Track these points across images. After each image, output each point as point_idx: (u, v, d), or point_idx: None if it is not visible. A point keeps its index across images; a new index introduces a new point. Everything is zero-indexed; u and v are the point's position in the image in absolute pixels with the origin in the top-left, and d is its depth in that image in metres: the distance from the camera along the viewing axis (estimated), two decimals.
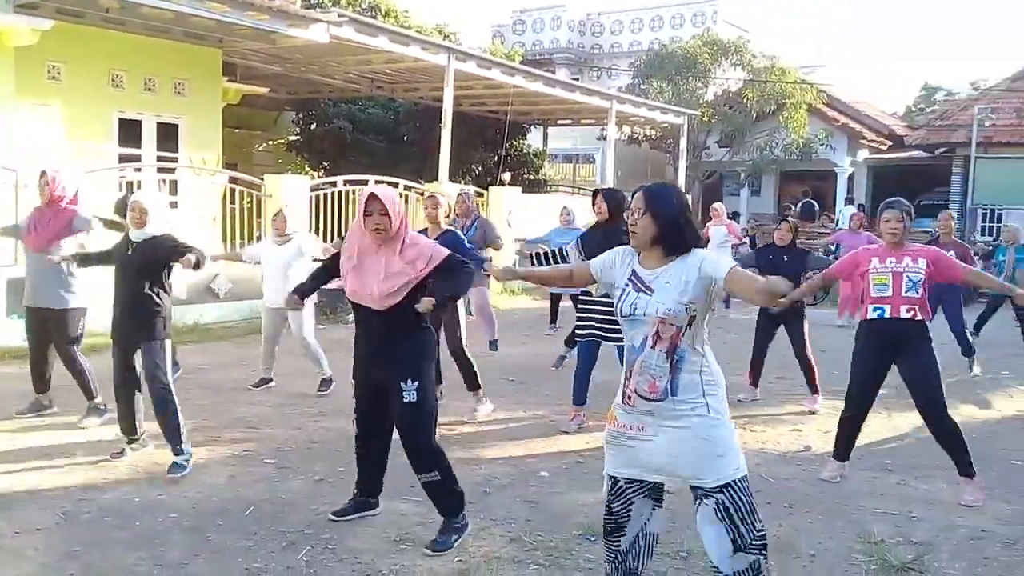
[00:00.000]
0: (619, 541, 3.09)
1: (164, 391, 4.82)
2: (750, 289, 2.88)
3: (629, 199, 3.16)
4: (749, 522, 2.91)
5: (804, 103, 21.60)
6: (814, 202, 21.36)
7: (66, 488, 4.54)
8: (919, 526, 4.36)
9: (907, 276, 4.75)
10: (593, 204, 5.89)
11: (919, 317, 4.75)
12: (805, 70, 24.17)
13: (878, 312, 4.83)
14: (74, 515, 4.18)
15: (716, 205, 13.15)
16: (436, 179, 13.95)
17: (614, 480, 3.06)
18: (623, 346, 5.50)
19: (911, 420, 5.74)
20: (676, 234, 2.96)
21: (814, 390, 6.79)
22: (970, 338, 8.75)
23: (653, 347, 2.93)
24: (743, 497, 2.91)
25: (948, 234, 8.48)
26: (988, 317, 9.97)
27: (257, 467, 5.02)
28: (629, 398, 2.98)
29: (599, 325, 5.75)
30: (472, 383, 6.18)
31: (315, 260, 6.65)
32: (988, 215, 19.07)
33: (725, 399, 2.99)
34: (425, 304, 3.80)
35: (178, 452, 4.81)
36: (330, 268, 4.19)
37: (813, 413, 6.62)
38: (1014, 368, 8.71)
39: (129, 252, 4.87)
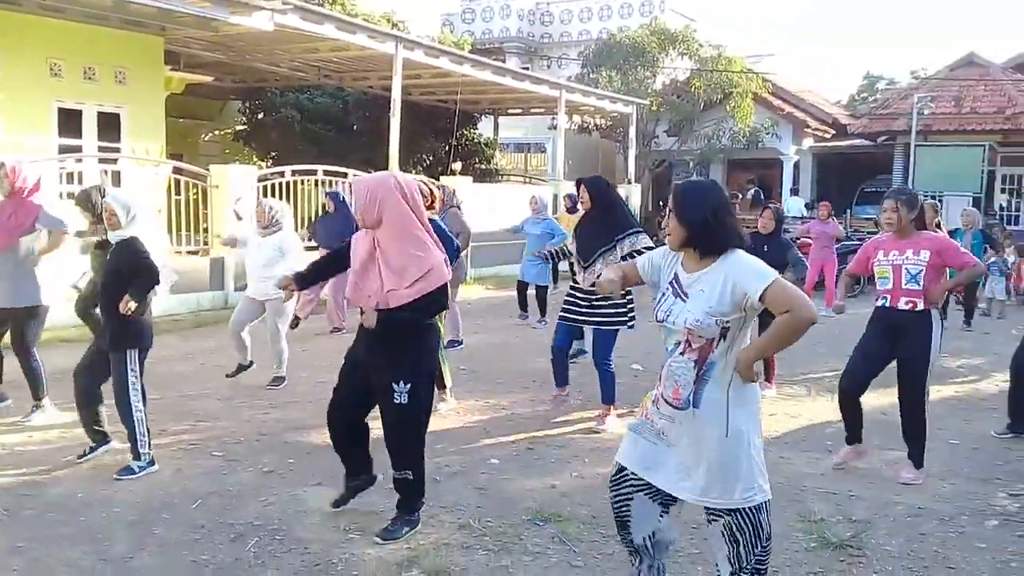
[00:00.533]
0: (626, 537, 3.04)
1: (129, 401, 4.59)
2: (786, 313, 2.71)
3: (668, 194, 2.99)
4: (751, 547, 2.82)
5: (750, 92, 21.89)
6: (761, 190, 21.68)
7: (8, 485, 4.45)
8: (858, 504, 4.49)
9: (906, 268, 4.83)
10: (577, 193, 5.92)
11: (919, 308, 4.81)
12: (751, 59, 24.49)
13: (882, 302, 4.96)
14: (16, 511, 4.11)
15: None
16: (387, 169, 13.87)
17: (619, 468, 3.00)
18: (602, 330, 5.63)
19: None
20: (707, 235, 2.81)
21: (768, 378, 6.89)
22: None
23: (683, 354, 2.84)
24: (751, 524, 2.81)
25: (933, 225, 8.72)
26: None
27: (205, 460, 4.97)
28: (658, 400, 2.92)
29: (580, 310, 5.74)
30: (439, 382, 6.10)
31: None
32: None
33: (755, 420, 2.87)
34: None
35: (136, 457, 4.65)
36: (340, 259, 4.03)
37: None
38: (955, 350, 8.95)
39: (107, 255, 4.68)
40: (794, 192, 22.66)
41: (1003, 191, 21.42)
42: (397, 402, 3.73)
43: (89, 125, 11.79)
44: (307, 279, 4.18)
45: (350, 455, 4.06)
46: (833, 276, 12.00)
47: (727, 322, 2.76)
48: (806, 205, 20.71)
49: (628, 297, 5.54)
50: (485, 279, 14.13)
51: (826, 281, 11.63)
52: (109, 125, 12.03)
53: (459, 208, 8.73)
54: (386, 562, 3.63)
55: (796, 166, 24.53)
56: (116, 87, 12.01)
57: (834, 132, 24.41)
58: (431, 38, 19.59)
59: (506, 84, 16.66)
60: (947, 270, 5.11)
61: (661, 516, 2.97)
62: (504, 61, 23.70)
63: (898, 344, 4.90)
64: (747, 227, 7.40)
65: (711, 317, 2.75)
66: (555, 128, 19.67)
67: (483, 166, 22.12)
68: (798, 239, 14.94)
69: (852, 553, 3.84)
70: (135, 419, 4.61)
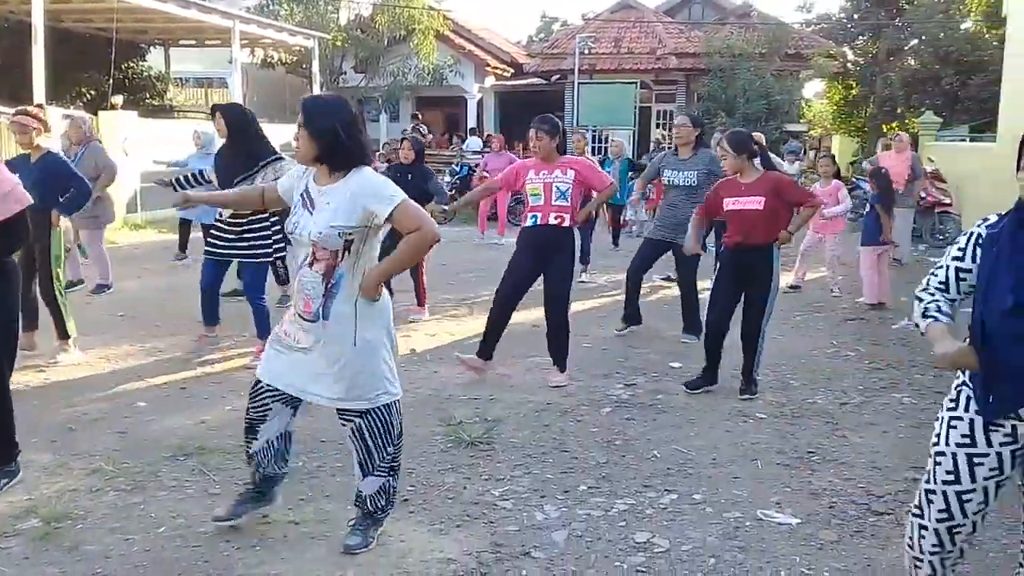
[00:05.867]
0: (251, 443, 3.13)
1: None
2: (414, 232, 2.90)
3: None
4: (382, 447, 3.04)
5: (432, 30, 22.23)
6: (422, 127, 22.10)
7: None
8: (496, 406, 4.91)
9: (556, 186, 5.24)
10: (214, 121, 5.65)
11: (566, 223, 5.25)
12: None
13: (532, 220, 5.33)
14: None
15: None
16: (32, 103, 12.39)
17: (256, 381, 3.08)
18: (250, 263, 5.50)
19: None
20: (337, 149, 2.88)
21: (420, 303, 7.22)
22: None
23: (311, 267, 2.91)
24: (380, 424, 3.01)
25: (581, 152, 9.45)
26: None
27: None
28: (292, 313, 3.00)
29: (226, 244, 5.57)
30: (60, 332, 5.65)
31: None
32: (596, 136, 21.27)
33: (385, 329, 3.02)
34: None
35: None
36: None
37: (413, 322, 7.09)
38: (603, 267, 9.90)
39: None
40: (472, 131, 23.50)
41: (658, 126, 23.81)
42: None
43: None
44: None
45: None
46: (505, 206, 12.74)
47: (350, 235, 2.88)
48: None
49: (275, 228, 5.50)
50: (159, 222, 13.26)
51: (499, 211, 12.31)
52: None
53: (100, 142, 8.10)
54: (2, 515, 3.39)
55: (480, 104, 25.43)
56: None
57: (513, 71, 25.57)
58: None
59: (170, 12, 15.46)
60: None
61: (292, 417, 3.16)
62: None
63: (545, 258, 5.32)
64: (426, 161, 7.70)
65: (334, 229, 2.85)
66: (232, 62, 18.67)
67: (155, 101, 20.51)
68: (474, 171, 15.63)
69: (482, 448, 4.22)
70: None
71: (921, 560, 2.46)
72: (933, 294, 2.38)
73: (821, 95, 29.29)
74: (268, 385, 3.06)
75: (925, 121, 15.89)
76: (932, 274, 2.42)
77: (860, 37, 23.72)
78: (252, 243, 5.52)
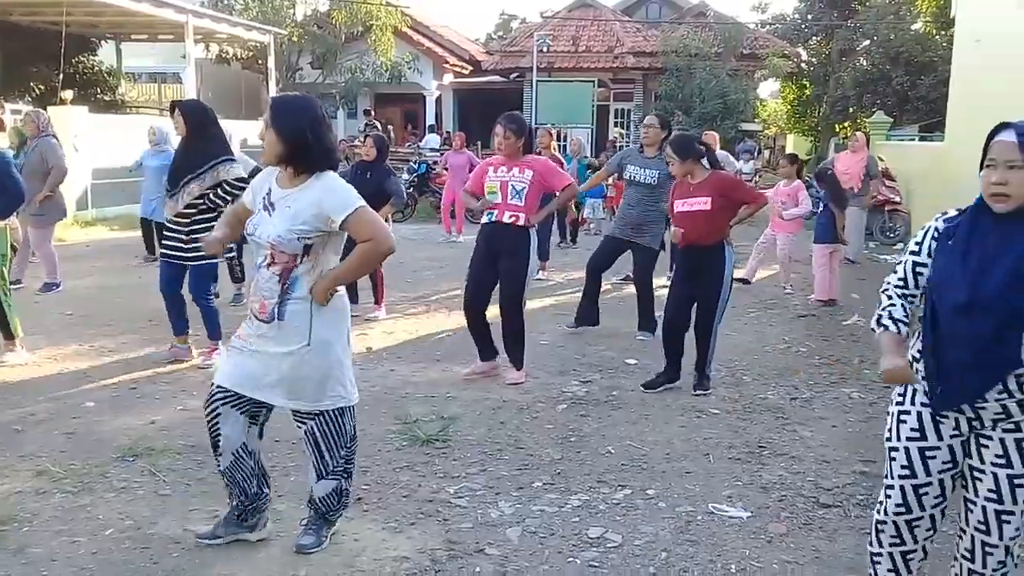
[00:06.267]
0: (220, 460, 3.04)
1: None
2: (367, 242, 2.87)
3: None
4: (335, 450, 3.01)
5: (390, 26, 22.12)
6: (378, 123, 21.94)
7: None
8: (452, 404, 4.91)
9: (512, 185, 5.21)
10: (172, 117, 5.52)
11: (521, 222, 5.20)
12: None
13: (487, 217, 5.32)
14: None
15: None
16: None
17: (213, 386, 3.01)
18: (197, 266, 5.37)
19: (458, 318, 6.29)
20: (304, 150, 2.83)
21: (377, 301, 7.18)
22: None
23: (268, 268, 2.88)
24: (334, 427, 2.99)
25: (548, 148, 9.47)
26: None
27: None
28: (249, 315, 2.97)
29: (178, 246, 5.44)
30: (4, 332, 5.52)
31: None
32: (557, 135, 21.33)
33: (340, 331, 2.98)
34: None
35: None
36: None
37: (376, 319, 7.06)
38: (560, 265, 9.95)
39: None
40: (432, 128, 23.45)
41: (616, 124, 23.97)
42: None
43: None
44: None
45: None
46: (463, 205, 12.70)
47: (309, 239, 2.84)
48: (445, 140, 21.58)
49: None
50: (110, 219, 13.03)
51: (457, 210, 12.28)
52: None
53: (56, 138, 7.93)
54: None
55: (439, 101, 25.37)
56: None
57: (472, 69, 25.55)
58: None
59: (122, 5, 15.18)
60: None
61: (249, 428, 3.03)
62: None
63: (500, 256, 5.30)
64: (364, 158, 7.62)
65: (293, 234, 2.82)
66: (186, 57, 18.39)
67: (107, 97, 20.14)
68: (433, 168, 15.62)
69: (437, 446, 4.21)
70: None
71: (881, 555, 2.49)
72: (891, 297, 2.41)
73: (776, 95, 29.75)
74: (219, 388, 2.99)
75: (875, 121, 16.20)
76: (894, 270, 2.44)
77: (814, 38, 24.14)
78: (199, 246, 5.38)
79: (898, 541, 2.44)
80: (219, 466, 3.06)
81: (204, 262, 5.37)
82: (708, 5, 26.12)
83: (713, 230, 5.07)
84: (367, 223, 2.87)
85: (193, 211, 5.29)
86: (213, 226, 5.33)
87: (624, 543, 3.25)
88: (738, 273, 8.21)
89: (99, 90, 20.09)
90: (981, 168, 2.25)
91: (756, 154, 14.75)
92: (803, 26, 24.00)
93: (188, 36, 16.98)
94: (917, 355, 2.38)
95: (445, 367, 5.68)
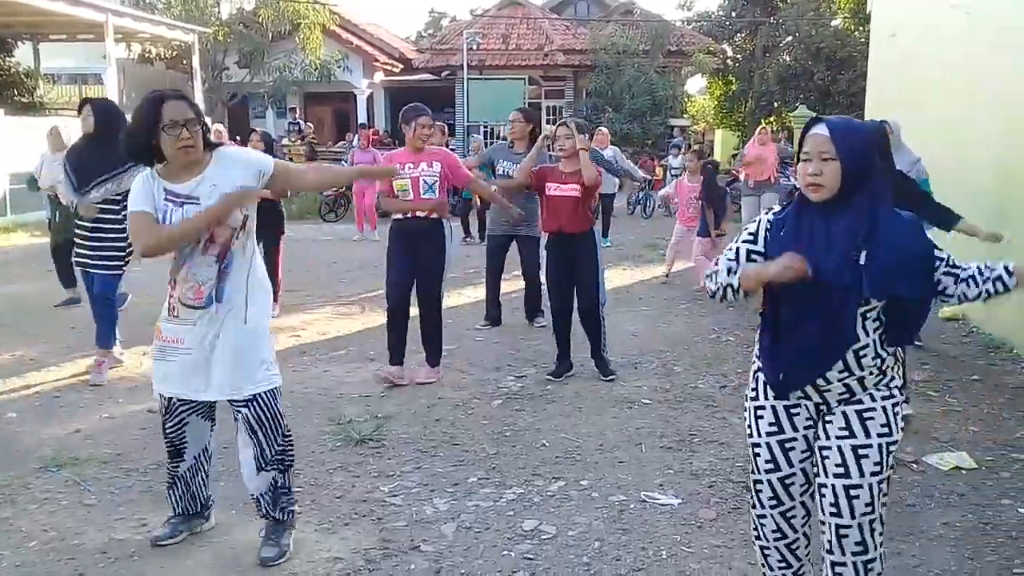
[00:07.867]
0: (178, 465, 3.06)
1: None
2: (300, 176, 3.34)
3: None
4: (272, 436, 3.01)
5: (319, 24, 21.83)
6: (300, 123, 21.63)
7: None
8: (387, 403, 4.89)
9: (423, 180, 5.15)
10: (79, 114, 5.32)
11: (435, 216, 5.19)
12: None
13: (400, 214, 5.28)
14: None
15: (218, 126, 12.80)
16: None
17: (168, 399, 3.00)
18: (102, 274, 5.22)
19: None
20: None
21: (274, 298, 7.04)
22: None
23: (204, 253, 2.89)
24: (269, 411, 2.99)
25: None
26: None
27: None
28: (173, 309, 2.94)
29: (81, 252, 5.30)
30: None
31: None
32: (488, 132, 21.36)
33: (266, 311, 3.07)
34: None
35: None
36: None
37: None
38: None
39: None
40: (362, 126, 23.23)
41: (548, 122, 24.08)
42: None
43: None
44: None
45: None
46: (374, 202, 12.62)
47: (246, 209, 2.94)
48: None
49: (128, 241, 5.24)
50: (29, 225, 12.61)
51: (366, 207, 12.23)
52: None
53: None
54: None
55: (370, 99, 25.15)
56: None
57: (402, 67, 25.40)
58: None
59: (38, 4, 14.67)
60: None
61: (212, 429, 3.13)
62: None
63: (417, 253, 5.28)
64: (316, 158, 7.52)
65: None
66: (106, 57, 17.88)
67: (24, 99, 19.46)
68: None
69: (372, 446, 4.20)
70: None
71: (768, 548, 2.55)
72: (723, 270, 2.46)
73: (704, 91, 30.27)
74: (179, 399, 3.00)
75: (799, 115, 16.61)
76: (723, 256, 2.50)
77: (738, 34, 24.66)
78: (105, 253, 5.22)
79: (780, 535, 2.52)
80: (174, 471, 3.10)
81: (112, 272, 5.29)
82: (635, 3, 26.40)
83: (581, 218, 5.25)
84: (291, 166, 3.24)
85: (100, 216, 5.16)
86: (122, 235, 5.12)
87: (558, 534, 3.29)
88: (659, 270, 8.42)
89: (16, 92, 19.40)
90: (797, 161, 2.37)
91: (685, 149, 15.01)
92: (727, 23, 24.49)
93: (108, 36, 16.51)
94: (758, 354, 2.50)
95: (380, 366, 5.64)
